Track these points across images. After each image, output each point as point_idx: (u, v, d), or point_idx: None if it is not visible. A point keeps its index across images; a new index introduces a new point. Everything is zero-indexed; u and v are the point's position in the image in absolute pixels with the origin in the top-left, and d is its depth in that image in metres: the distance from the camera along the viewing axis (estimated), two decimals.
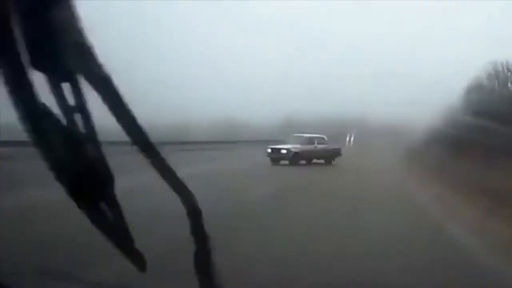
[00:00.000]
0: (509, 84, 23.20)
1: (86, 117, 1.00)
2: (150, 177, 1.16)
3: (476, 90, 24.06)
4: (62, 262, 4.63)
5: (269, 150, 23.83)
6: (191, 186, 1.08)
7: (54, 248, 5.39)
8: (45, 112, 0.98)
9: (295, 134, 25.89)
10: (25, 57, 0.91)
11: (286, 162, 23.19)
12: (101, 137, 1.02)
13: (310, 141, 24.91)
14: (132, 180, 7.84)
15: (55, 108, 1.00)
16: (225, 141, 47.69)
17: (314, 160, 24.13)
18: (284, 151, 23.38)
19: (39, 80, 0.98)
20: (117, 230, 1.09)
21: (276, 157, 23.33)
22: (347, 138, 70.94)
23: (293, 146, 23.81)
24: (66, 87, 1.00)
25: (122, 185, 1.16)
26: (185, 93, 78.15)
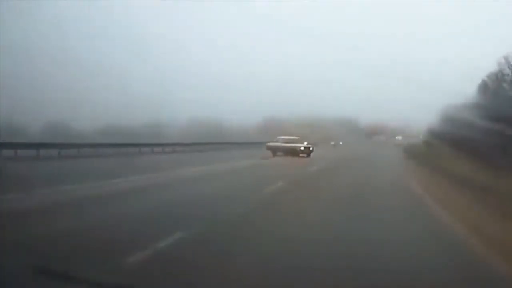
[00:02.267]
0: None
1: None
2: None
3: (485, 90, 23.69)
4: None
5: (303, 148, 34.19)
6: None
7: None
8: None
9: (286, 137, 35.53)
10: None
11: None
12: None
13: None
14: None
15: None
16: (204, 143, 43.85)
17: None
18: (311, 148, 34.90)
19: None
20: None
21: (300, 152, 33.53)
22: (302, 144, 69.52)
23: (311, 145, 35.38)
24: None
25: None
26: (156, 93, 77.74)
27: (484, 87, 25.02)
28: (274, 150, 33.96)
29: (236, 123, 64.37)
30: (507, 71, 23.79)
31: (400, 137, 79.19)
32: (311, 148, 34.74)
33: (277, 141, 35.10)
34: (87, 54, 79.33)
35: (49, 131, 46.07)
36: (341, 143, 66.82)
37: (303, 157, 32.34)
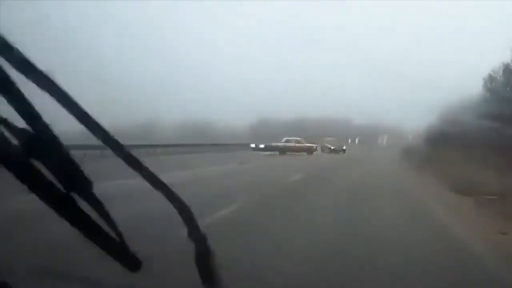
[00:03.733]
0: None
1: (41, 122, 1.01)
2: None
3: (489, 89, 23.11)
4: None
5: (308, 147, 41.48)
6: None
7: None
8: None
9: (292, 138, 42.74)
10: None
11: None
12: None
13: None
14: None
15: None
16: (189, 144, 44.18)
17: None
18: (316, 147, 42.35)
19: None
20: (104, 232, 1.10)
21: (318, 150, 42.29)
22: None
23: (316, 145, 42.87)
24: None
25: None
26: (151, 93, 77.53)
27: (490, 81, 24.43)
28: (282, 150, 40.37)
29: (228, 124, 64.54)
30: None
31: (384, 139, 75.88)
32: (315, 148, 42.55)
33: (285, 142, 42.14)
34: (76, 54, 79.64)
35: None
36: (315, 146, 46.48)
37: (309, 155, 39.46)
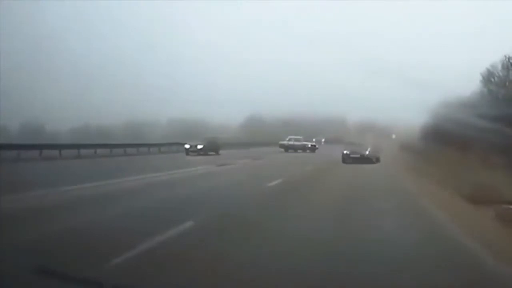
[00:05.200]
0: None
1: None
2: None
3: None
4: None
5: (310, 145, 45.60)
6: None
7: None
8: None
9: (295, 136, 46.10)
10: None
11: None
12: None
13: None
14: None
15: None
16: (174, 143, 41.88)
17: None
18: (316, 146, 46.01)
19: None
20: None
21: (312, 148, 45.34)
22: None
23: (316, 143, 46.84)
24: None
25: None
26: (139, 92, 77.17)
27: (488, 76, 24.07)
28: (287, 148, 44.15)
29: (224, 123, 64.53)
30: None
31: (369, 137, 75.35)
32: (316, 146, 45.85)
33: (289, 140, 45.87)
34: (67, 54, 79.32)
35: (26, 131, 46.38)
36: (316, 145, 45.67)
37: (310, 152, 42.83)
